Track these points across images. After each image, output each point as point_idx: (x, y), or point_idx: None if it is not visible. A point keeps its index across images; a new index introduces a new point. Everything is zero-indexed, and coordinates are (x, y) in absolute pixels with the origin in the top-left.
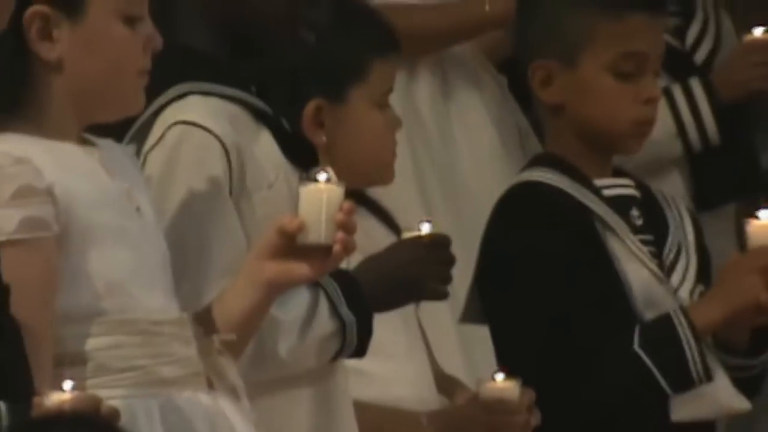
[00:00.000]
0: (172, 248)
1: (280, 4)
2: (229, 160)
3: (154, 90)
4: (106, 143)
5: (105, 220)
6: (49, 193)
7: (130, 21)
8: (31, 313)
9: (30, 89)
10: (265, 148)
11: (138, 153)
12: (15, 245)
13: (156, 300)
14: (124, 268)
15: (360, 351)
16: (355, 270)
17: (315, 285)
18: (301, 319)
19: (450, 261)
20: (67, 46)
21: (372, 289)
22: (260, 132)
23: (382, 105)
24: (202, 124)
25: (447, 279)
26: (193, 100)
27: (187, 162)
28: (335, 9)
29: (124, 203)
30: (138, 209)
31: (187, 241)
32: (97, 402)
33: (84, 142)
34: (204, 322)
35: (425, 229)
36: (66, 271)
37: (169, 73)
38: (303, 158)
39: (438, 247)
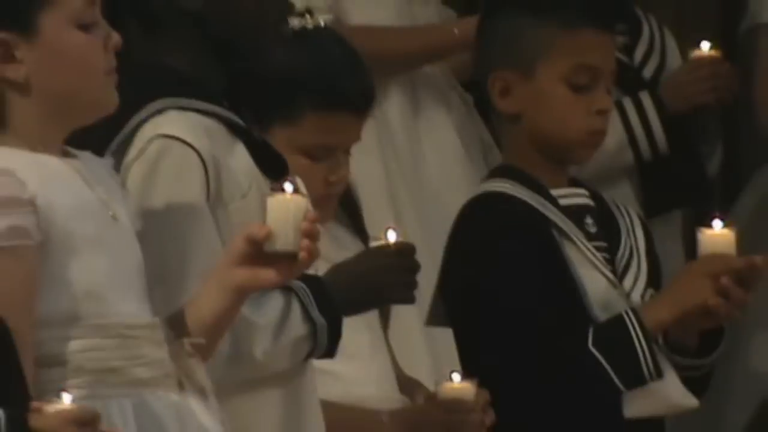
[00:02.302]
0: (153, 255)
1: (252, 24)
2: (206, 172)
3: (133, 106)
4: (86, 155)
5: (84, 230)
6: (31, 203)
7: (85, 27)
8: (13, 317)
9: (4, 108)
10: (239, 159)
11: (118, 166)
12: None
13: (130, 305)
14: (101, 275)
15: (330, 352)
16: (326, 276)
17: (288, 290)
18: (275, 322)
19: (415, 268)
20: (32, 63)
21: (341, 294)
22: (235, 144)
23: (311, 153)
24: (180, 138)
25: (412, 284)
26: (171, 115)
27: (168, 173)
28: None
29: (102, 212)
30: (114, 217)
31: (166, 248)
32: (96, 417)
33: (65, 154)
34: (176, 325)
35: (391, 237)
36: (46, 278)
37: (147, 89)
38: (275, 168)
39: (403, 254)
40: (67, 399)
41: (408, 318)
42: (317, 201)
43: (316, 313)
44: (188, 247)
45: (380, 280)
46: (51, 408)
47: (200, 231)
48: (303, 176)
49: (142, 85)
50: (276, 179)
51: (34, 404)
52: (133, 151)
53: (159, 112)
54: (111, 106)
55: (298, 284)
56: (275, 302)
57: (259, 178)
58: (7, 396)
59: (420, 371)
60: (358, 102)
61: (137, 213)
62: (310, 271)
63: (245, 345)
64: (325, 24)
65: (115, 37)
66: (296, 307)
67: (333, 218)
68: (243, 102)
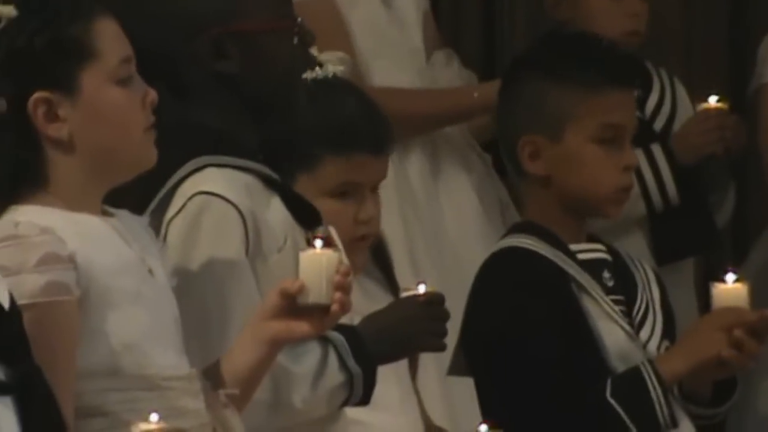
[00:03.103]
0: (194, 309)
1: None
2: (245, 227)
3: (172, 164)
4: (122, 213)
5: (122, 285)
6: (71, 260)
7: (123, 83)
8: (55, 370)
9: (45, 167)
10: (276, 212)
11: (159, 223)
12: (40, 307)
13: (168, 357)
14: (140, 328)
15: (365, 400)
16: (360, 326)
17: (325, 340)
18: (313, 371)
19: (445, 317)
20: (74, 121)
21: (375, 344)
22: (271, 198)
23: (336, 194)
24: (220, 194)
25: (442, 333)
26: (210, 172)
27: (208, 229)
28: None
29: (139, 268)
30: (151, 272)
31: (208, 303)
32: None
33: (104, 212)
34: (212, 376)
35: (421, 289)
36: (86, 331)
37: (185, 147)
38: (309, 219)
39: (434, 304)
40: (155, 418)
41: (425, 367)
42: (350, 245)
43: (352, 363)
44: (229, 302)
45: (412, 329)
46: (135, 430)
47: (240, 286)
48: (333, 220)
49: (180, 143)
50: (310, 229)
51: None
52: (173, 208)
53: (198, 169)
54: (150, 162)
55: (334, 335)
56: (313, 352)
57: (294, 229)
58: None
59: (436, 419)
60: (372, 142)
61: (176, 269)
62: (346, 322)
63: (284, 394)
64: (336, 75)
65: (152, 94)
66: (333, 357)
67: (366, 264)
68: (267, 155)
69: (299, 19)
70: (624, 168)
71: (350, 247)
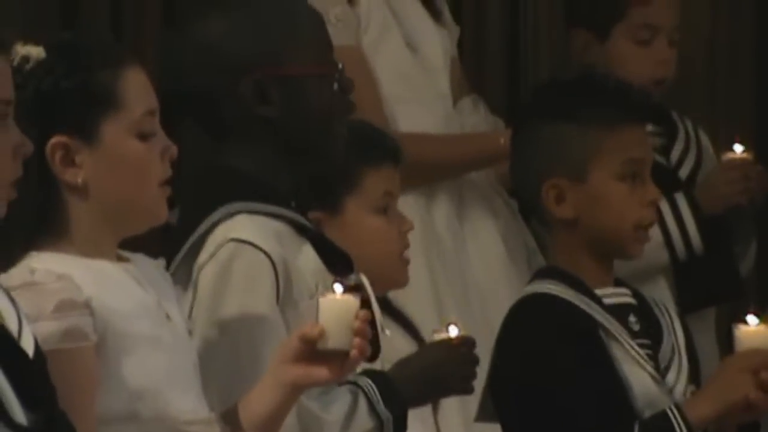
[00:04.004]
0: (226, 357)
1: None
2: (276, 274)
3: (205, 209)
4: (138, 257)
5: (140, 330)
6: (87, 305)
7: (144, 137)
8: (74, 416)
9: (61, 212)
10: (307, 259)
11: (190, 268)
12: (58, 354)
13: (188, 401)
14: (158, 372)
15: None
16: (391, 370)
17: (356, 386)
18: (342, 418)
19: (475, 360)
20: (90, 169)
21: (406, 387)
22: (302, 245)
23: (380, 209)
24: (252, 242)
25: (472, 376)
26: (241, 218)
27: (239, 276)
28: None
29: (156, 312)
30: (168, 317)
31: (239, 352)
32: None
33: (119, 258)
34: (231, 420)
35: (453, 331)
36: (104, 377)
37: (219, 193)
38: (340, 266)
39: (465, 348)
40: None
41: (450, 412)
42: (401, 259)
43: (381, 408)
44: (260, 351)
45: (443, 372)
46: None
47: (271, 335)
48: (383, 238)
49: (214, 188)
50: (343, 277)
51: None
52: (205, 254)
53: (230, 215)
54: (162, 217)
55: (365, 380)
56: (343, 399)
57: (326, 277)
58: None
59: None
60: (393, 152)
61: (207, 317)
62: (377, 367)
63: None
64: None
65: (173, 149)
66: (363, 403)
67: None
68: (310, 194)
69: (340, 65)
70: (649, 203)
71: (402, 261)
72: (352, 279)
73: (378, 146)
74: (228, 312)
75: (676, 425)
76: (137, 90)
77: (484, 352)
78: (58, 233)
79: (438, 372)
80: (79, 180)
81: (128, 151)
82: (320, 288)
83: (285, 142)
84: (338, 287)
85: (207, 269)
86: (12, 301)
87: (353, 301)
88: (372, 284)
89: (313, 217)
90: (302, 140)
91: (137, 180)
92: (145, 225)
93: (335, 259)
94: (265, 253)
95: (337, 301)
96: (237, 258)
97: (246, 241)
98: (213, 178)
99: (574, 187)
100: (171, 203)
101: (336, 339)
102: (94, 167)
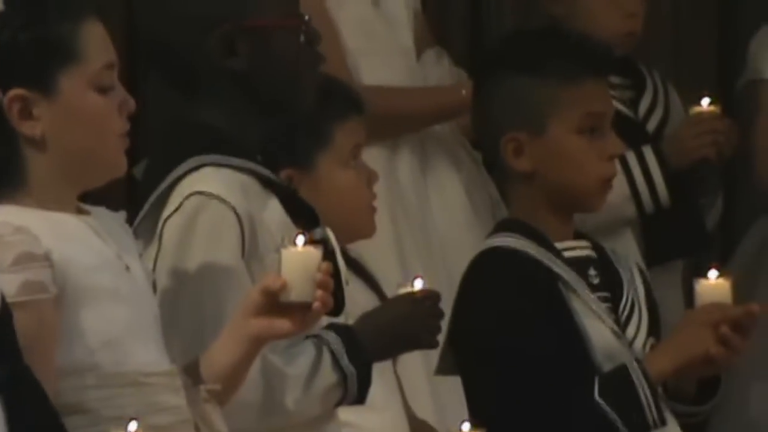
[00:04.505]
0: (190, 309)
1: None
2: (242, 228)
3: (170, 162)
4: (98, 210)
5: (99, 282)
6: (46, 258)
7: (102, 90)
8: (35, 368)
9: (21, 165)
10: (272, 213)
11: (156, 220)
12: (17, 307)
13: (148, 353)
14: (118, 325)
15: (360, 399)
16: (356, 324)
17: (320, 340)
18: (306, 372)
19: (440, 314)
20: (48, 121)
21: (372, 342)
22: (268, 199)
23: (350, 162)
24: (217, 195)
25: (437, 330)
26: (207, 171)
27: (204, 230)
28: None
29: (116, 265)
30: (128, 269)
31: (203, 304)
32: None
33: (79, 211)
34: (193, 373)
35: (418, 285)
36: (63, 329)
37: (184, 146)
38: (306, 220)
39: (430, 302)
40: (132, 427)
41: (413, 366)
42: (370, 209)
43: (345, 362)
44: (224, 303)
45: (408, 327)
46: None
47: (235, 287)
48: (354, 191)
49: (180, 141)
50: (308, 230)
51: None
52: (170, 207)
53: (196, 168)
54: (120, 168)
55: (329, 334)
56: (307, 353)
57: (291, 229)
58: None
59: (425, 417)
60: (361, 104)
61: (171, 269)
62: (341, 321)
63: (277, 395)
64: None
65: (131, 103)
66: (327, 357)
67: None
68: (280, 149)
69: (306, 17)
70: (608, 157)
71: (370, 211)
72: (317, 232)
73: (345, 100)
74: (192, 264)
75: (635, 379)
76: (96, 43)
77: (447, 305)
78: (17, 186)
79: (403, 326)
80: (38, 132)
81: (87, 104)
82: (284, 241)
83: (253, 95)
84: (300, 239)
85: (172, 221)
86: None
87: (315, 253)
88: (339, 236)
89: (284, 174)
90: (271, 92)
91: (95, 132)
92: (104, 177)
93: (301, 213)
94: (231, 207)
95: (299, 253)
96: (202, 211)
97: (212, 194)
98: (180, 132)
99: (533, 141)
100: (134, 158)
101: (298, 291)
102: (52, 120)
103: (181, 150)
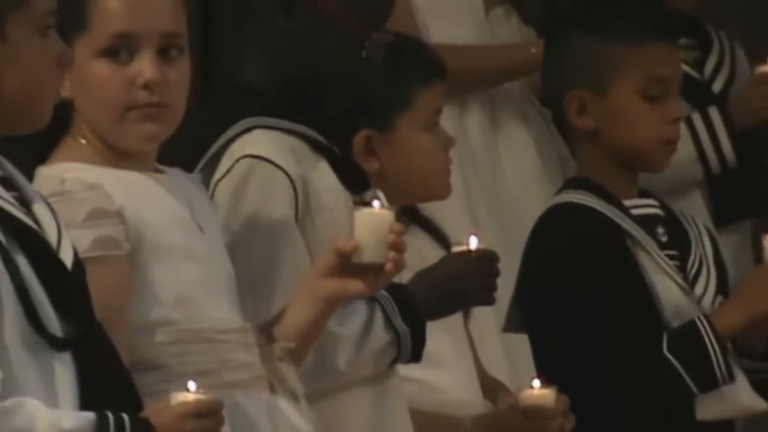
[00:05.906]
0: (242, 270)
1: (343, 46)
2: (294, 191)
3: (221, 125)
4: (174, 171)
5: (172, 239)
6: (119, 214)
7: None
8: (107, 324)
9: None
10: (324, 176)
11: (207, 183)
12: (89, 262)
13: (221, 310)
14: (191, 282)
15: (415, 358)
16: (409, 283)
17: (372, 300)
18: (358, 332)
19: (495, 273)
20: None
21: (424, 301)
22: (319, 162)
23: (430, 127)
24: (268, 158)
25: (493, 288)
26: (258, 134)
27: (255, 193)
28: (386, 46)
29: (188, 224)
30: (201, 228)
31: (255, 264)
32: (216, 406)
33: (156, 170)
34: (268, 333)
35: (473, 243)
36: (137, 286)
37: (235, 109)
38: (357, 183)
39: (485, 260)
40: (192, 386)
41: (485, 324)
42: (445, 177)
43: (398, 321)
44: (276, 263)
45: (462, 285)
46: (173, 401)
47: (288, 247)
48: (432, 156)
49: (230, 105)
50: (358, 194)
51: (153, 405)
52: (221, 170)
53: (246, 131)
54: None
55: (381, 293)
56: (359, 313)
57: (343, 193)
58: (119, 399)
59: (497, 376)
60: (444, 68)
61: (222, 230)
62: (395, 280)
63: (329, 356)
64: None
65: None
66: (379, 317)
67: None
68: (358, 110)
69: None
70: (671, 120)
71: (447, 175)
72: (368, 195)
73: (428, 63)
74: (243, 225)
75: (704, 334)
76: None
77: (518, 262)
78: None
79: (456, 284)
80: None
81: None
82: (340, 203)
83: (300, 60)
84: (376, 202)
85: (222, 185)
86: (52, 210)
87: (388, 214)
88: (413, 197)
89: (362, 135)
90: (328, 59)
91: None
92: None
93: (351, 176)
94: (282, 169)
95: (372, 215)
96: (252, 174)
97: (262, 157)
98: (229, 95)
99: (596, 100)
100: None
101: (371, 252)
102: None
103: (231, 112)
